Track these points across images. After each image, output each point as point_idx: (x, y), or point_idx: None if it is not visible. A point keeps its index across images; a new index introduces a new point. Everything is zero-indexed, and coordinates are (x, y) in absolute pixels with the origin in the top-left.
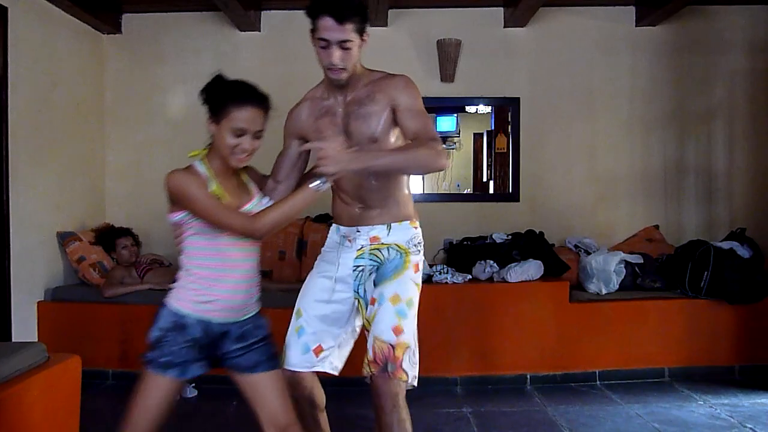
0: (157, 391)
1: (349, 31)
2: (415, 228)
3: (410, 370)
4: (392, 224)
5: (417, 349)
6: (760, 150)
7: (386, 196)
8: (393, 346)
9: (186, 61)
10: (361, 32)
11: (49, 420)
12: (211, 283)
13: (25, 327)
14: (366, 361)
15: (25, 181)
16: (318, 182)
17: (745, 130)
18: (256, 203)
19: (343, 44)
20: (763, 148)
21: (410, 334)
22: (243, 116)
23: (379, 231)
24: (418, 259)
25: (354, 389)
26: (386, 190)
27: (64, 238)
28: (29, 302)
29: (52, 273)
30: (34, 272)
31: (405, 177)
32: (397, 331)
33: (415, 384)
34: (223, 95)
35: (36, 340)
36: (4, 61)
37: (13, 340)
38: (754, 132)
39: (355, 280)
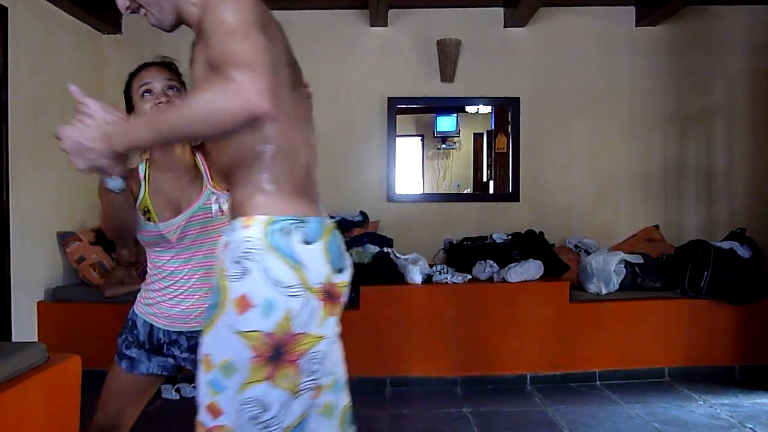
0: (114, 378)
1: None
2: (247, 227)
3: None
4: (232, 223)
5: None
6: (760, 150)
7: (222, 172)
8: None
9: (186, 61)
10: None
11: (49, 420)
12: (155, 291)
13: (25, 327)
14: None
15: (25, 181)
16: (104, 180)
17: (745, 130)
18: (203, 201)
19: None
20: (763, 148)
21: (237, 416)
22: (141, 77)
23: (225, 234)
24: (246, 289)
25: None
26: (218, 162)
27: (64, 238)
28: (29, 302)
29: (52, 273)
30: (34, 272)
31: (250, 136)
32: (213, 411)
33: None
34: (126, 88)
35: (36, 340)
36: (4, 61)
37: (13, 340)
38: (754, 132)
39: None
